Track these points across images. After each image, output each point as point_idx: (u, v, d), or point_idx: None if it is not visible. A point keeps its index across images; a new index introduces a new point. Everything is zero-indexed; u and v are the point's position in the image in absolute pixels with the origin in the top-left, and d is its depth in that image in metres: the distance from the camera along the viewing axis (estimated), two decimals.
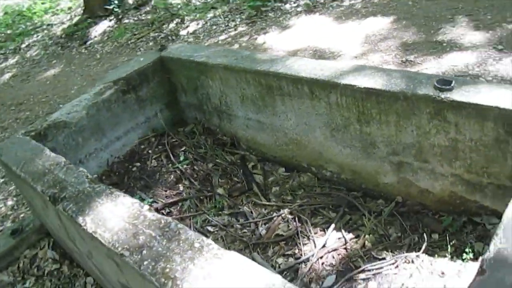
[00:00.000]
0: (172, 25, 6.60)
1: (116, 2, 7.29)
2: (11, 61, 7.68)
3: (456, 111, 1.91)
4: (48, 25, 8.29)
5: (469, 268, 1.89)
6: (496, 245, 1.21)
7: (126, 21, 7.24)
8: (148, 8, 7.40)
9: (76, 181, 2.04)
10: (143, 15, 7.26)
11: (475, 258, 1.93)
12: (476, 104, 1.83)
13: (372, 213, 2.41)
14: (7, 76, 7.13)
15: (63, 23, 8.12)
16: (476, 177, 2.03)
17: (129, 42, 6.53)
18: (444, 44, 3.92)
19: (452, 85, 1.94)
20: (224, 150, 3.17)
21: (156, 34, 6.47)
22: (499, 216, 2.07)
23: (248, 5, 5.99)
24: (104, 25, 7.39)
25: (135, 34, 6.66)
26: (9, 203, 3.75)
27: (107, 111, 3.04)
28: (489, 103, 1.81)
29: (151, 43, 6.30)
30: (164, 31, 6.49)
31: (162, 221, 1.64)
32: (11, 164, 2.40)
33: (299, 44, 4.82)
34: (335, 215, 2.49)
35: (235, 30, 5.79)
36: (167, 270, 1.42)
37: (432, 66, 3.65)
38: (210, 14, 6.47)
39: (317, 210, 2.58)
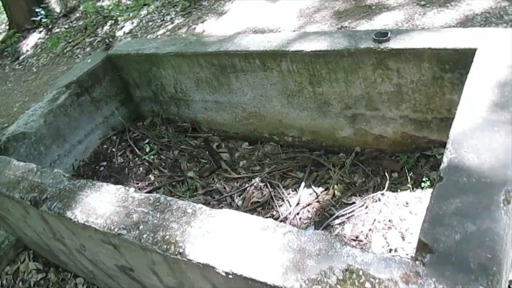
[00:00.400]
0: (106, 27, 6.51)
1: (42, 12, 7.06)
2: None
3: (396, 58, 2.12)
4: None
5: (429, 194, 2.13)
6: (448, 156, 1.42)
7: (57, 30, 7.04)
8: (77, 14, 7.23)
9: (54, 182, 2.08)
10: (74, 21, 7.09)
11: (432, 186, 2.17)
12: (411, 48, 2.06)
13: (336, 166, 2.61)
14: None
15: None
16: (422, 115, 2.28)
17: (65, 51, 6.38)
18: (373, 7, 4.19)
19: (388, 36, 2.15)
20: (187, 135, 3.27)
21: (92, 39, 6.36)
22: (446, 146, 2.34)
23: None
24: (34, 38, 7.14)
25: (69, 42, 6.50)
26: None
27: (64, 116, 3.05)
28: (422, 46, 2.03)
29: (88, 49, 6.19)
30: (99, 34, 6.39)
31: (151, 198, 1.74)
32: None
33: (238, 27, 4.95)
34: (303, 174, 2.68)
35: (172, 23, 5.82)
36: (167, 237, 1.53)
37: (366, 28, 3.91)
38: (144, 12, 6.44)
39: (286, 173, 2.76)
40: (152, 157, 3.11)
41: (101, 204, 1.80)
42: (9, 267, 2.87)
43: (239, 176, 2.87)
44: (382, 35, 2.17)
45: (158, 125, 3.32)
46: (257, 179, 2.75)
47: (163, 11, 6.26)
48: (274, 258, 1.30)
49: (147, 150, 3.15)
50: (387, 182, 2.30)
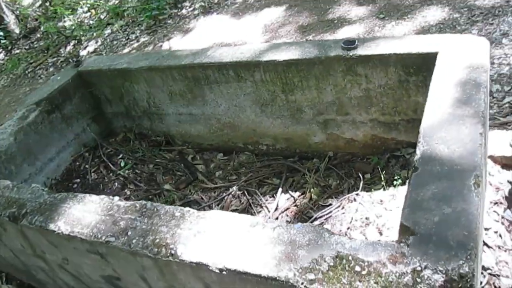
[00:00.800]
0: (69, 47, 6.44)
1: (1, 34, 6.91)
2: None
3: (364, 64, 2.25)
4: None
5: (401, 191, 2.25)
6: (420, 148, 1.53)
7: (17, 51, 6.90)
8: (38, 35, 7.12)
9: (33, 196, 2.06)
10: (35, 42, 6.98)
11: (403, 183, 2.29)
12: (378, 54, 2.19)
13: (311, 171, 2.70)
14: None
15: None
16: (390, 117, 2.41)
17: (27, 72, 6.25)
18: (335, 21, 4.39)
19: (356, 43, 2.28)
20: (161, 149, 3.28)
21: (55, 59, 6.28)
22: (413, 145, 2.48)
23: (145, 15, 6.07)
24: None
25: (31, 63, 6.39)
26: None
27: (35, 134, 3.00)
28: (388, 51, 2.17)
29: (51, 69, 6.10)
30: (63, 54, 6.32)
31: (137, 205, 1.76)
32: None
33: (204, 44, 5.04)
34: (279, 181, 2.75)
35: (138, 41, 5.84)
36: (157, 240, 1.55)
37: None
38: (108, 31, 6.43)
39: (262, 181, 2.82)
40: (127, 171, 3.11)
41: (86, 214, 1.80)
42: None
43: (216, 186, 2.91)
44: (350, 43, 2.29)
45: (132, 140, 3.32)
46: (234, 188, 2.80)
47: (128, 30, 6.28)
48: (266, 251, 1.36)
49: (122, 164, 3.14)
50: (361, 182, 2.41)
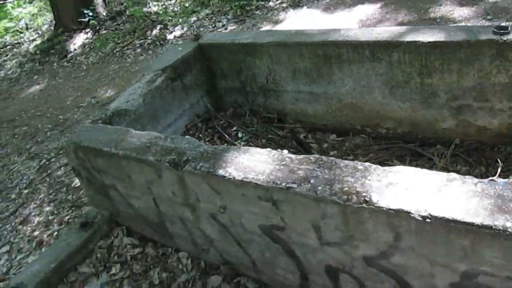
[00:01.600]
0: (155, 31, 6.68)
1: (90, 14, 7.25)
2: None
3: None
4: (16, 43, 8.04)
5: None
6: None
7: (104, 32, 7.22)
8: (124, 18, 7.43)
9: (191, 146, 2.16)
10: (121, 24, 7.27)
11: None
12: None
13: (437, 156, 2.71)
14: None
15: (34, 40, 7.92)
16: None
17: (115, 51, 6.53)
18: (438, 20, 4.38)
19: (509, 29, 2.29)
20: (273, 125, 3.37)
21: (142, 41, 6.53)
22: None
23: (234, 5, 6.22)
24: (81, 38, 7.31)
25: (118, 43, 6.67)
26: (47, 209, 3.70)
27: (160, 98, 3.15)
28: None
29: (138, 50, 6.35)
30: (149, 37, 6.56)
31: (311, 158, 1.83)
32: (99, 146, 2.45)
33: None
34: (401, 164, 2.77)
35: (225, 29, 6.00)
36: (346, 188, 1.61)
37: None
38: (193, 18, 6.63)
39: (382, 163, 2.84)
40: (242, 143, 3.20)
41: (257, 164, 1.88)
42: (102, 241, 2.91)
43: None
44: (502, 28, 2.30)
45: (247, 114, 3.42)
46: None
47: (214, 18, 6.46)
48: (473, 203, 1.39)
49: (239, 135, 3.24)
50: (499, 168, 2.39)
